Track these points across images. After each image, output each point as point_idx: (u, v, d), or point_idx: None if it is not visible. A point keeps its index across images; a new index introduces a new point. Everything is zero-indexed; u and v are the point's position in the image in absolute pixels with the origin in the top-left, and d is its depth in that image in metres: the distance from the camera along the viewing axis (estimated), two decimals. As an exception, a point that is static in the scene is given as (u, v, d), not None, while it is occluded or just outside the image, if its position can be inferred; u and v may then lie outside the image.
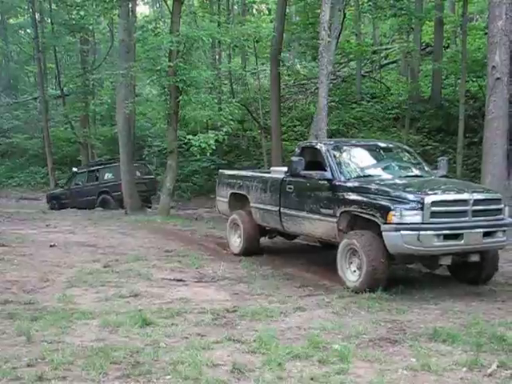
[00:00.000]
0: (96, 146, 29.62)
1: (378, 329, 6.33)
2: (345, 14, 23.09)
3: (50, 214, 20.06)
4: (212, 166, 25.34)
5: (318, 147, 9.83)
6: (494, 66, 14.16)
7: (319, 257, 10.88)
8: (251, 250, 11.08)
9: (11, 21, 39.65)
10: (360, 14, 27.39)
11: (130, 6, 20.95)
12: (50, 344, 5.69)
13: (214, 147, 17.04)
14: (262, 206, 10.65)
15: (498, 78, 14.08)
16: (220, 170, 13.11)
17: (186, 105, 18.13)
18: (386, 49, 33.39)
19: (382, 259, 7.91)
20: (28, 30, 37.97)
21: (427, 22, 26.46)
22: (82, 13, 23.23)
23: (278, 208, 10.11)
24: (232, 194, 11.67)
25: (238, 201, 11.49)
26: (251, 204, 11.00)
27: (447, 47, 27.40)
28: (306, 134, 23.51)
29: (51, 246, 11.92)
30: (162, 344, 5.71)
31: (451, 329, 6.24)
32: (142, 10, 41.14)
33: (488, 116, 14.42)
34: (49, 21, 31.41)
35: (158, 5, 42.27)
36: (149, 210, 20.91)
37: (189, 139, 16.91)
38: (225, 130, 17.38)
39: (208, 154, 17.75)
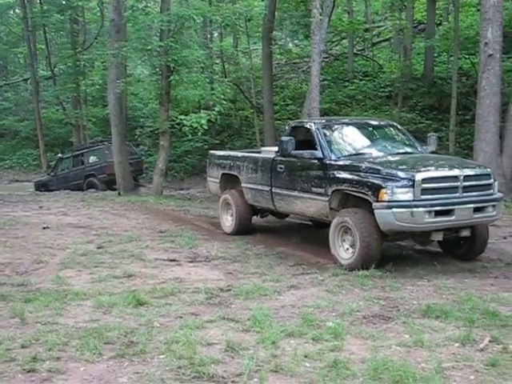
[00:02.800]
0: (88, 127, 29.46)
1: (371, 306, 6.35)
2: (337, -8, 22.97)
3: (42, 195, 19.99)
4: (205, 146, 25.23)
5: (308, 126, 9.82)
6: (486, 43, 14.15)
7: (312, 235, 10.90)
8: (243, 229, 11.17)
9: (-1, 1, 39.20)
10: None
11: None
12: (43, 325, 5.70)
13: (206, 127, 16.96)
14: (253, 186, 10.69)
15: (491, 55, 14.08)
16: (211, 151, 13.04)
17: (177, 84, 18.02)
18: (378, 26, 33.21)
19: (375, 236, 7.96)
20: (17, 10, 37.55)
21: (419, -1, 26.34)
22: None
23: (269, 188, 10.16)
24: (223, 174, 11.69)
25: (229, 181, 11.53)
26: (242, 184, 11.02)
27: (440, 24, 27.24)
28: (298, 113, 23.43)
29: (44, 227, 11.90)
30: (155, 324, 5.73)
31: (444, 305, 6.27)
32: (132, -11, 40.67)
33: (481, 93, 14.44)
34: (38, 0, 31.07)
35: (148, -16, 41.83)
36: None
37: (181, 119, 16.82)
38: (217, 109, 17.28)
39: (200, 133, 17.66)
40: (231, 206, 11.24)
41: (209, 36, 29.82)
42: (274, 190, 10.04)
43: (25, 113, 35.11)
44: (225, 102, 18.42)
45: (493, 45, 13.98)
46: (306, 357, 4.88)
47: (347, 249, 8.37)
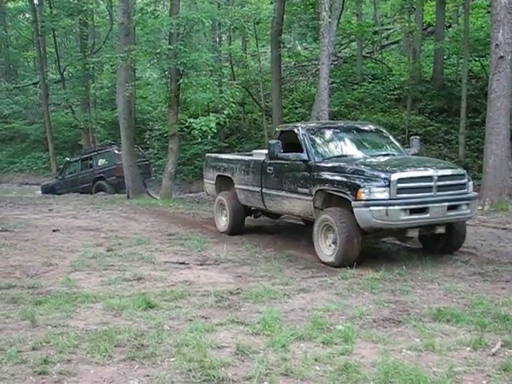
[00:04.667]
0: (97, 130, 29.54)
1: (381, 309, 6.33)
2: (345, -6, 22.97)
3: (52, 198, 20.06)
4: (214, 149, 25.26)
5: (294, 130, 10.25)
6: (497, 45, 14.09)
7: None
8: (237, 228, 11.60)
9: (9, 5, 39.36)
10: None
11: (129, -12, 20.75)
12: (54, 328, 5.71)
13: (215, 130, 16.99)
14: (245, 187, 11.17)
15: (502, 57, 14.02)
16: (207, 154, 13.64)
17: (186, 88, 18.06)
18: (387, 29, 33.20)
19: (355, 233, 8.40)
20: (27, 15, 37.72)
21: (429, 2, 26.25)
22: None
23: (259, 189, 10.64)
24: (218, 176, 12.20)
25: (224, 183, 12.05)
26: (236, 185, 11.49)
27: (449, 26, 27.16)
28: (307, 115, 23.42)
29: (54, 230, 11.94)
30: (165, 327, 5.73)
31: (455, 309, 6.24)
32: (142, -8, 40.80)
33: (491, 95, 14.38)
34: (48, 4, 31.17)
35: (157, -13, 41.91)
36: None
37: (190, 122, 16.85)
38: (226, 112, 17.31)
39: (209, 137, 17.69)
40: (225, 206, 11.69)
41: (218, 39, 29.90)
42: (264, 190, 10.52)
43: (34, 116, 35.27)
44: (234, 105, 18.44)
45: (504, 47, 13.93)
46: (316, 360, 4.86)
47: (329, 245, 8.81)
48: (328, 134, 10.43)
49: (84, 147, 28.04)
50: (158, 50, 17.40)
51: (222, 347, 5.18)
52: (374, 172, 8.43)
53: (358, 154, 9.79)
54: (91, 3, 24.73)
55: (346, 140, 10.27)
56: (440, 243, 9.36)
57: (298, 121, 23.59)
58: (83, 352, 5.06)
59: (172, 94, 18.10)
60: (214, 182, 12.35)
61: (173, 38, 17.40)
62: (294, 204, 9.70)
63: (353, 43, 31.42)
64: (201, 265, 8.80)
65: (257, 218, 12.33)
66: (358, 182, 8.32)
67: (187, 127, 18.08)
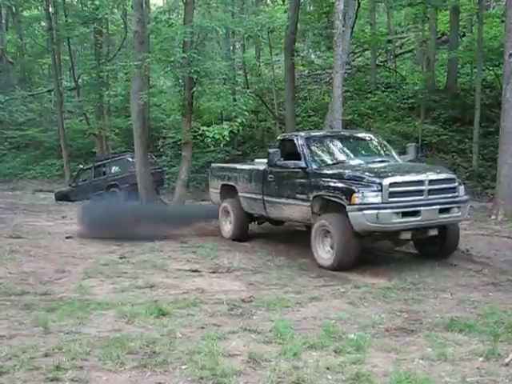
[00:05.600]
0: (111, 137, 29.64)
1: (393, 319, 6.31)
2: (359, 3, 23.00)
3: (65, 205, 20.15)
4: (227, 157, 25.26)
5: (293, 139, 10.63)
6: (511, 54, 14.05)
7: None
8: (241, 234, 12.00)
9: (24, 13, 39.70)
10: (374, 2, 27.16)
11: (144, -4, 20.86)
12: (66, 334, 5.73)
13: (228, 138, 16.99)
14: (248, 194, 11.56)
15: (515, 66, 13.95)
16: (212, 164, 14.20)
17: (200, 96, 18.09)
18: (400, 38, 33.13)
19: (351, 236, 8.74)
20: (42, 23, 38.01)
21: (443, 11, 26.18)
22: (97, 2, 23.28)
23: (261, 196, 11.02)
24: (223, 185, 12.57)
25: (228, 191, 12.36)
26: (239, 193, 11.87)
27: (463, 36, 27.07)
28: (320, 124, 23.40)
29: (67, 237, 12.00)
30: (178, 334, 5.74)
31: (468, 319, 6.21)
32: (156, 0, 41.04)
33: (505, 105, 14.33)
34: (63, 13, 31.40)
35: (171, -5, 42.10)
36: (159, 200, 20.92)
37: (203, 130, 16.87)
38: (239, 120, 17.33)
39: (222, 145, 17.73)
40: (230, 213, 12.06)
41: (231, 47, 29.97)
42: (265, 197, 10.90)
43: (48, 123, 35.39)
44: (247, 114, 18.45)
45: (517, 56, 13.88)
46: (328, 369, 4.85)
47: (327, 249, 9.13)
48: (325, 142, 10.81)
49: (97, 155, 28.16)
50: (172, 59, 17.44)
51: (234, 355, 5.18)
52: (367, 177, 8.77)
53: (353, 161, 10.14)
54: (106, 12, 24.86)
55: (343, 148, 10.70)
56: (435, 247, 9.66)
57: (311, 129, 23.62)
58: (95, 359, 5.08)
59: (185, 101, 18.12)
60: (218, 191, 12.69)
61: (187, 47, 17.46)
62: (293, 210, 10.07)
63: (366, 52, 31.35)
64: (213, 272, 8.82)
65: (260, 224, 12.55)
66: (352, 187, 8.68)
67: (200, 135, 18.09)
